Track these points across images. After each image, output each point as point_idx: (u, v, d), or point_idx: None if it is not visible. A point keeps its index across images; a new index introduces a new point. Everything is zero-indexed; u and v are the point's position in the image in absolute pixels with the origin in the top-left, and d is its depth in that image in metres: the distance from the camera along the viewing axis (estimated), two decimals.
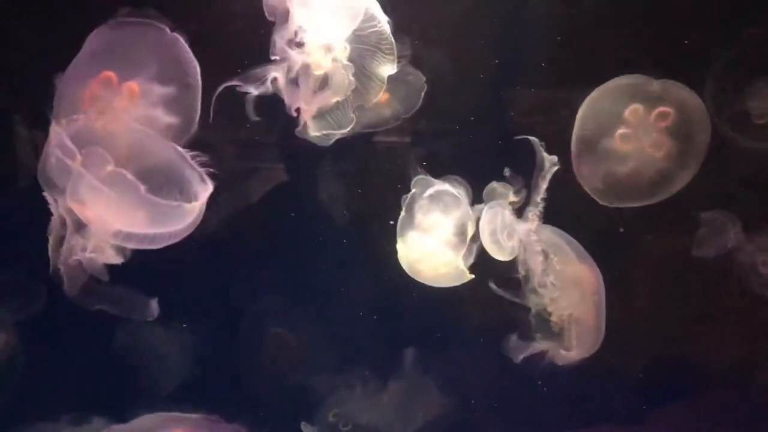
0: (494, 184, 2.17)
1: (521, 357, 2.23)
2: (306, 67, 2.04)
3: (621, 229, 2.33)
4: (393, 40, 2.05)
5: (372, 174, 2.45)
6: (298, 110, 2.09)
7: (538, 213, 2.17)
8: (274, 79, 2.04)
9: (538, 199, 2.16)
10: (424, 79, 2.15)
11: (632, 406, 2.47)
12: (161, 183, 1.82)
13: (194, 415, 2.22)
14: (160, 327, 2.43)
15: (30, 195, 2.11)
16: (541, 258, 2.16)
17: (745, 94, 2.31)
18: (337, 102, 2.07)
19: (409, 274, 2.17)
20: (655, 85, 2.16)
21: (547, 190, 2.14)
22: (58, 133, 1.76)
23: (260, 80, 2.02)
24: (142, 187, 1.75)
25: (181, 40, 1.92)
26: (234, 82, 2.00)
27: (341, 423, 2.53)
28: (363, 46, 2.07)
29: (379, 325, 2.53)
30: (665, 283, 2.46)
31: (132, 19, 1.90)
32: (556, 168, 2.13)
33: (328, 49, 2.04)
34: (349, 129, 2.13)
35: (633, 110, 2.17)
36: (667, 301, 2.46)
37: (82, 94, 1.84)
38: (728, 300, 2.42)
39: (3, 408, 2.42)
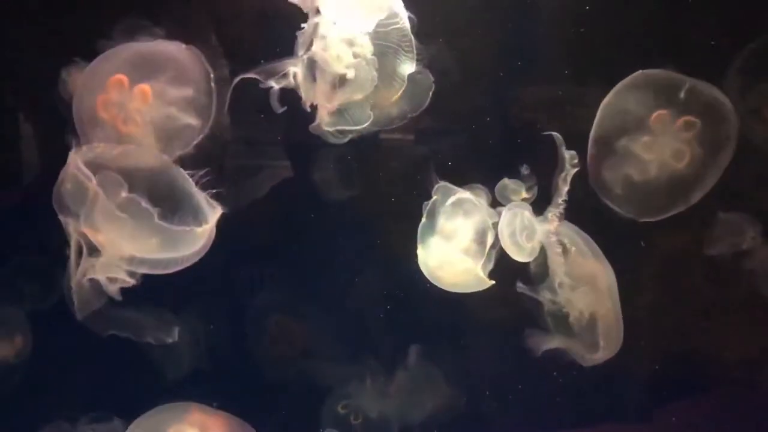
0: (506, 181, 2.16)
1: (540, 351, 2.22)
2: (327, 61, 2.01)
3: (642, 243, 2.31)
4: (413, 38, 2.02)
5: (383, 171, 2.44)
6: (313, 106, 2.06)
7: (558, 214, 2.13)
8: (293, 74, 2.01)
9: (559, 201, 2.13)
10: (432, 78, 2.11)
11: (639, 404, 2.49)
12: (173, 208, 1.87)
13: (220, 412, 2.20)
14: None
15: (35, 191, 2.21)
16: (561, 260, 2.14)
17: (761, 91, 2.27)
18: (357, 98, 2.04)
19: (429, 279, 2.17)
20: (685, 85, 2.10)
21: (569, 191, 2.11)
22: (75, 159, 1.80)
23: (278, 74, 1.99)
24: (156, 215, 1.79)
25: (195, 50, 1.93)
26: (251, 75, 1.98)
27: (352, 416, 2.52)
28: (384, 43, 2.04)
29: (388, 318, 2.52)
30: (674, 281, 2.45)
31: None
32: (576, 169, 2.10)
33: (351, 43, 2.01)
34: (365, 126, 2.09)
35: (658, 117, 2.11)
36: (675, 299, 2.46)
37: (96, 101, 1.86)
38: (737, 300, 2.42)
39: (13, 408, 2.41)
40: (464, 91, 2.34)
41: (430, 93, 2.11)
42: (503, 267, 2.19)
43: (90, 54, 2.05)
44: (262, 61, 2.00)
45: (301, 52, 2.02)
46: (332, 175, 2.45)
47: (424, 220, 2.13)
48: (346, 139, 2.10)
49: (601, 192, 2.19)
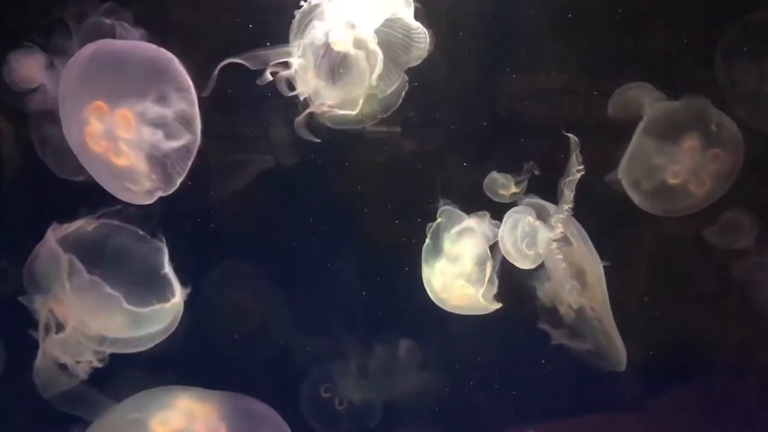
0: (495, 174, 2.14)
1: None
2: (327, 49, 1.86)
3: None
4: (423, 30, 1.90)
5: (368, 164, 2.35)
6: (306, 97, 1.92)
7: (562, 220, 2.05)
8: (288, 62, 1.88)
9: (564, 207, 2.05)
10: (406, 78, 1.98)
11: (631, 393, 2.48)
12: (140, 285, 1.86)
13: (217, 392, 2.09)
14: None
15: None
16: (563, 265, 2.07)
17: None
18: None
19: (434, 301, 2.12)
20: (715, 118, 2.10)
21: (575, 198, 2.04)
22: (50, 236, 1.78)
23: (271, 62, 1.86)
24: (123, 298, 1.76)
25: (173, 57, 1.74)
26: (240, 60, 1.85)
27: (336, 401, 2.48)
28: (389, 31, 1.91)
29: (372, 305, 2.45)
30: (668, 271, 2.44)
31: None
32: (581, 174, 2.02)
33: (354, 30, 1.85)
34: (356, 114, 1.96)
35: (690, 146, 2.12)
36: (667, 289, 2.44)
37: (83, 135, 1.74)
38: (729, 292, 2.42)
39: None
40: (452, 82, 2.25)
41: (403, 93, 2.00)
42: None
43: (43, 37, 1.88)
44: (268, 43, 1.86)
45: (297, 37, 1.87)
46: (317, 170, 2.30)
47: (428, 241, 2.08)
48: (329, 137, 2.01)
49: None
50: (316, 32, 1.84)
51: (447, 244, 2.06)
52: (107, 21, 1.82)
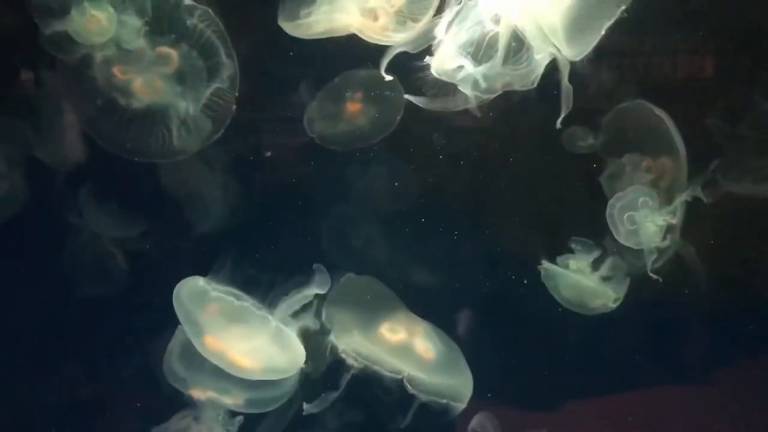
0: (575, 128, 2.20)
1: None
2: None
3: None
4: None
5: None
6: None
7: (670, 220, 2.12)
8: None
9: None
10: (404, 98, 1.94)
11: (696, 365, 2.45)
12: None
13: None
14: None
15: None
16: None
17: None
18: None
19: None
20: None
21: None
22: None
23: (431, 39, 1.77)
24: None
25: None
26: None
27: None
28: None
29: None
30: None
31: None
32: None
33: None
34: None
35: None
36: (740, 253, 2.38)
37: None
38: None
39: None
40: None
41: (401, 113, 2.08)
42: None
43: None
44: None
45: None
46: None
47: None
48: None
49: None
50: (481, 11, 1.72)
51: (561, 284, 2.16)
52: None
